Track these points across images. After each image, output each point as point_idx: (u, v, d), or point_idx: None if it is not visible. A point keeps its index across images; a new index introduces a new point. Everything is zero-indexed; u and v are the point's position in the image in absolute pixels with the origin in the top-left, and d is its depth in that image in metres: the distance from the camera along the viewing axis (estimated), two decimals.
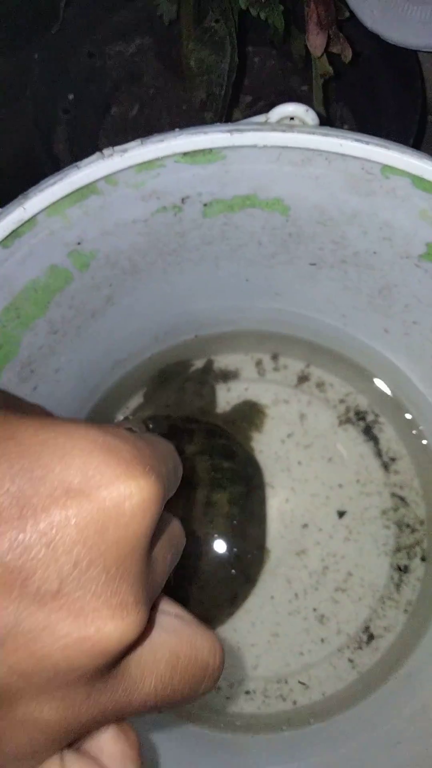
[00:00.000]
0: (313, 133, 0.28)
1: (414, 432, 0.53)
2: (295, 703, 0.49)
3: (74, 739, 0.15)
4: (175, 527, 0.19)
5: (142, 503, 0.14)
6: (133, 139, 0.32)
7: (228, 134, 0.28)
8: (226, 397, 0.55)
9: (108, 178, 0.29)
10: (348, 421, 0.55)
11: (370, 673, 0.50)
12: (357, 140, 0.28)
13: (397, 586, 0.51)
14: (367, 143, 0.28)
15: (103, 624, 0.13)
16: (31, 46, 0.47)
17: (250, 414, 0.54)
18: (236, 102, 0.54)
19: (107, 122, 0.53)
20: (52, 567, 0.13)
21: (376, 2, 0.43)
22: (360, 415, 0.55)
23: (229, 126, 0.28)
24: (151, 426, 0.51)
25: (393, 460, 0.54)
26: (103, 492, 0.14)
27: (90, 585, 0.13)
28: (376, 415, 0.54)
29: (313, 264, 0.40)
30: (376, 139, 0.28)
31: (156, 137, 0.29)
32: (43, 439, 0.14)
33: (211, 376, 0.55)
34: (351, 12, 0.44)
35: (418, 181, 0.28)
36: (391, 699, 0.48)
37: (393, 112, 0.50)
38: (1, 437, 0.14)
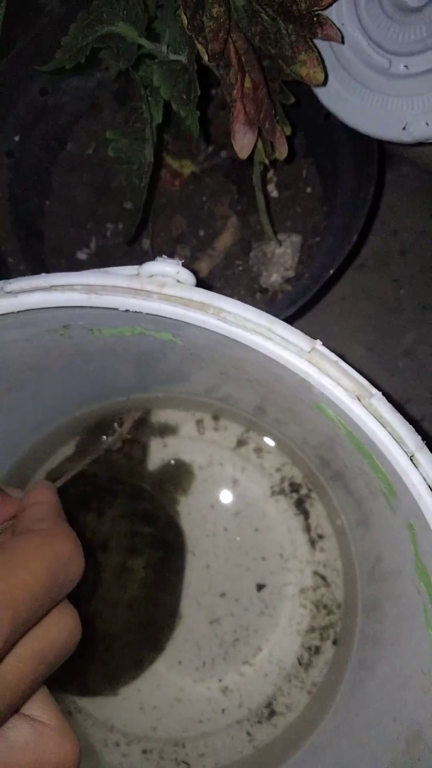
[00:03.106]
0: (177, 305, 0.26)
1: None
2: (189, 767, 0.51)
3: None
4: (58, 635, 0.19)
5: None
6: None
7: (85, 296, 0.26)
8: (161, 453, 0.54)
9: None
10: (281, 492, 0.53)
11: (267, 748, 0.50)
12: (219, 320, 0.26)
13: (306, 667, 0.51)
14: (229, 324, 0.26)
15: None
16: None
17: (178, 477, 0.53)
18: (198, 150, 0.50)
19: (61, 158, 0.51)
20: None
21: (336, 82, 0.39)
22: (294, 487, 0.53)
23: (89, 282, 0.27)
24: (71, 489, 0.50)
25: (321, 537, 0.53)
26: None
27: None
28: (309, 489, 0.53)
29: (223, 373, 0.38)
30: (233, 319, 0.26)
31: (16, 284, 0.27)
32: None
33: (146, 430, 0.54)
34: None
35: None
36: None
37: (350, 165, 0.46)
38: None
